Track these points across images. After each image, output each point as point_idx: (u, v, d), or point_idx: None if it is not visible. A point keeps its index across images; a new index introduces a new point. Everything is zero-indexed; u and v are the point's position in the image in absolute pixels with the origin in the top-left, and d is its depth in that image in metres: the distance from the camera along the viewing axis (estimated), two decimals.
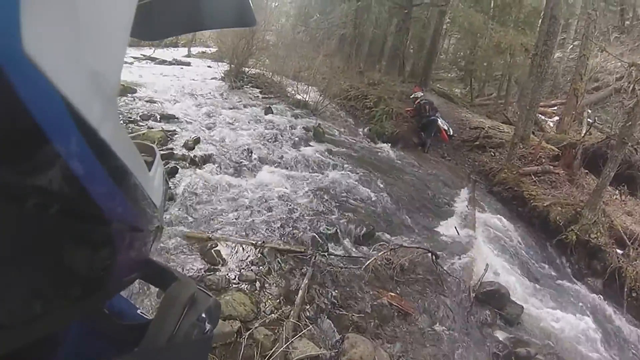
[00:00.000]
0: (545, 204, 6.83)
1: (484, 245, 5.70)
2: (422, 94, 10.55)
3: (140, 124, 6.65)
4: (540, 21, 12.27)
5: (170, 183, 4.94)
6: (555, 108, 14.67)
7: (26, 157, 0.24)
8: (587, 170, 7.78)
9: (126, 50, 0.37)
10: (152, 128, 6.48)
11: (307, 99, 10.83)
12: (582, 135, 9.12)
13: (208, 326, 0.53)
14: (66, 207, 0.28)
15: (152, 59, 13.55)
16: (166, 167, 5.26)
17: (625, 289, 5.22)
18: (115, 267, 0.38)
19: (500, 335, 4.07)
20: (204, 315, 0.52)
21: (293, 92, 11.44)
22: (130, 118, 6.77)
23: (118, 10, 0.33)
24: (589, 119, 11.45)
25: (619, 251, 5.75)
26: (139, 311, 0.61)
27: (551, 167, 8.00)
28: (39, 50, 0.22)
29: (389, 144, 9.94)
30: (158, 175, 0.61)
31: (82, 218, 0.31)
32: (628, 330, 4.82)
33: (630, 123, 5.99)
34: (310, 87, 11.38)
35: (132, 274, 0.49)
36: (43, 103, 0.24)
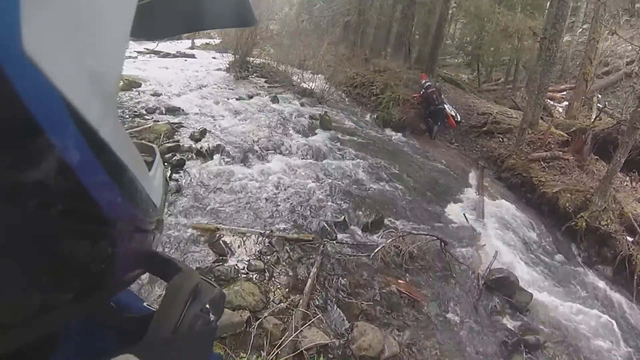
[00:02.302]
0: (554, 190, 6.76)
1: (492, 232, 5.68)
2: (429, 82, 10.43)
3: (146, 117, 6.67)
4: (548, 4, 12.08)
5: (177, 175, 4.96)
6: (565, 93, 14.48)
7: (26, 157, 0.24)
8: (597, 157, 7.68)
9: (126, 50, 0.37)
10: (158, 121, 6.49)
11: (312, 88, 10.80)
12: (592, 120, 8.96)
13: (212, 317, 0.53)
14: (66, 207, 0.28)
15: (156, 53, 13.56)
16: (173, 159, 5.28)
17: (635, 277, 5.17)
18: (115, 267, 0.38)
19: (509, 322, 4.07)
20: (208, 306, 0.52)
21: (298, 80, 11.41)
22: (136, 112, 6.78)
23: (118, 10, 0.33)
24: (598, 104, 11.28)
25: (629, 239, 5.68)
26: (145, 304, 0.61)
27: (560, 153, 7.90)
28: (39, 50, 0.22)
29: (396, 131, 9.91)
30: (158, 175, 0.61)
31: (81, 218, 0.30)
32: (637, 318, 4.79)
33: None
34: (315, 76, 11.33)
35: (132, 273, 0.49)
36: (43, 103, 0.23)
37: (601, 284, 5.25)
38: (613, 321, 4.48)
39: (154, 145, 0.70)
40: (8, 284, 0.26)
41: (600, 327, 4.32)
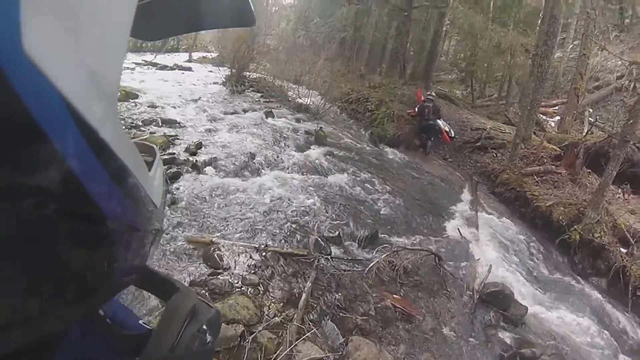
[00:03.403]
0: (547, 204, 6.80)
1: (487, 246, 5.68)
2: (430, 97, 10.48)
3: (142, 129, 6.68)
4: (540, 21, 12.29)
5: (172, 187, 4.95)
6: (557, 108, 14.61)
7: (26, 157, 0.24)
8: (589, 170, 7.73)
9: (126, 50, 0.37)
10: (154, 133, 6.51)
11: (308, 103, 10.87)
12: (584, 134, 9.08)
13: (209, 337, 0.53)
14: (66, 206, 0.28)
15: (154, 65, 13.63)
16: (168, 172, 5.27)
17: (630, 288, 5.18)
18: (115, 267, 0.38)
19: (505, 336, 4.05)
20: (204, 326, 0.52)
21: (294, 96, 11.48)
22: (132, 123, 6.80)
23: (118, 10, 0.33)
24: (590, 118, 11.42)
25: (622, 250, 5.70)
26: (141, 321, 0.61)
27: (553, 167, 7.96)
28: (39, 50, 0.23)
29: (391, 146, 9.97)
30: (158, 175, 0.61)
31: (81, 217, 0.31)
32: (633, 329, 4.78)
33: (631, 121, 5.96)
34: (311, 91, 11.42)
35: (133, 273, 0.49)
36: (43, 103, 0.24)
37: (596, 295, 5.24)
38: (608, 332, 4.47)
39: (153, 146, 0.70)
40: (7, 284, 0.26)
41: (596, 339, 4.30)
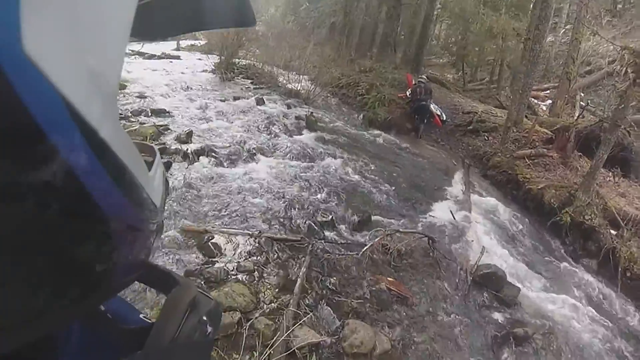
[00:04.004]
0: (539, 187, 6.87)
1: (479, 228, 5.74)
2: (421, 80, 10.47)
3: (132, 119, 6.60)
4: (532, 5, 12.26)
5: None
6: (548, 92, 14.70)
7: (26, 157, 0.24)
8: (580, 153, 7.82)
9: (126, 50, 0.37)
10: (144, 123, 6.44)
11: (298, 88, 10.80)
12: (575, 118, 9.12)
13: (209, 329, 0.53)
14: (66, 207, 0.28)
15: (141, 54, 13.43)
16: None
17: (620, 269, 5.28)
18: (115, 267, 0.38)
19: (498, 316, 4.11)
20: (205, 318, 0.53)
21: (284, 81, 11.41)
22: (121, 114, 6.70)
23: (118, 10, 0.33)
24: (581, 102, 11.47)
25: (613, 232, 5.80)
26: (141, 315, 0.62)
27: (545, 150, 8.03)
28: (39, 50, 0.22)
29: (382, 130, 9.96)
30: (158, 175, 0.61)
31: (81, 218, 0.31)
32: (622, 309, 4.89)
33: (622, 106, 6.01)
34: (301, 77, 11.34)
35: (133, 273, 0.49)
36: (43, 103, 0.24)
37: (587, 276, 5.34)
38: (599, 312, 4.57)
39: (153, 145, 0.70)
40: (8, 284, 0.26)
41: (586, 319, 4.39)
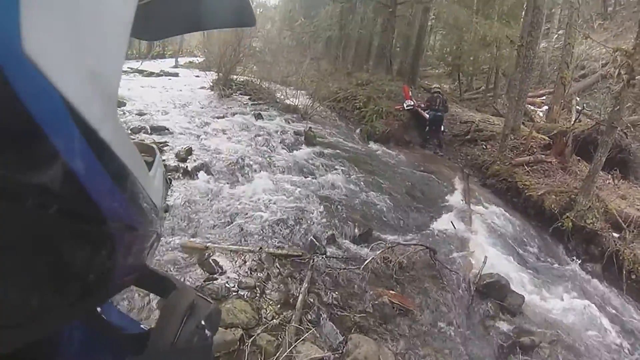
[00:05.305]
0: (539, 193, 6.86)
1: (481, 237, 5.71)
2: (437, 89, 10.57)
3: (132, 137, 6.61)
4: (523, 12, 12.39)
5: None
6: (544, 98, 14.74)
7: (26, 157, 0.24)
8: (578, 157, 7.81)
9: (126, 50, 0.37)
10: (144, 140, 6.45)
11: (296, 103, 10.86)
12: (572, 122, 9.14)
13: (208, 333, 0.53)
14: (66, 207, 0.28)
15: (140, 72, 13.58)
16: None
17: (624, 272, 5.24)
18: (114, 266, 0.38)
19: (503, 326, 4.06)
20: (203, 322, 0.53)
21: (282, 97, 11.47)
22: None
23: (118, 10, 0.33)
24: (577, 107, 11.49)
25: (615, 235, 5.77)
26: (142, 325, 0.62)
27: (543, 156, 8.03)
28: (39, 50, 0.23)
29: (381, 143, 10.01)
30: (158, 175, 0.61)
31: (81, 217, 0.31)
32: (629, 312, 4.85)
33: (618, 107, 6.02)
34: (299, 92, 11.41)
35: (132, 273, 0.49)
36: (43, 103, 0.24)
37: (591, 281, 5.31)
38: (606, 316, 4.52)
39: (154, 146, 0.70)
40: (7, 284, 0.27)
41: (593, 324, 4.34)
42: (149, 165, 0.56)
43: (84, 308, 0.38)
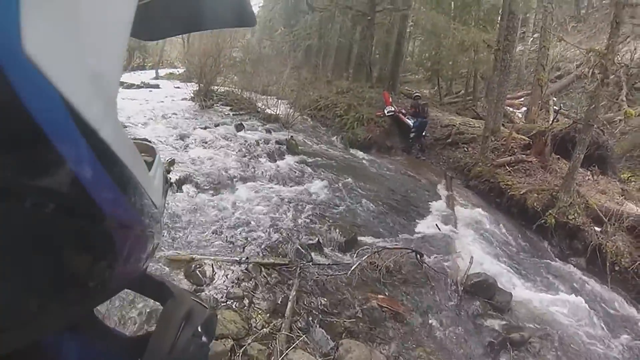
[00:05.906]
0: (521, 192, 6.98)
1: (466, 238, 5.77)
2: (417, 95, 10.75)
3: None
4: (499, 18, 12.67)
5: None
6: (522, 99, 15.05)
7: (26, 157, 0.24)
8: (558, 156, 7.97)
9: (126, 50, 0.38)
10: (144, 141, 6.38)
11: (277, 113, 10.87)
12: (550, 122, 9.35)
13: (205, 340, 0.53)
14: (66, 207, 0.28)
15: (120, 84, 13.38)
16: None
17: (608, 264, 5.37)
18: (114, 267, 0.38)
19: (493, 323, 4.10)
20: (200, 329, 0.54)
21: (263, 106, 11.47)
22: None
23: (118, 10, 0.34)
24: (555, 107, 11.78)
25: (597, 229, 5.90)
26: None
27: (523, 156, 8.18)
28: (39, 50, 0.23)
29: (363, 150, 10.10)
30: (158, 175, 0.61)
31: (81, 217, 0.31)
32: (615, 302, 4.95)
33: (594, 106, 6.20)
34: (279, 101, 11.45)
35: (132, 274, 0.49)
36: (43, 103, 0.24)
37: (576, 274, 5.44)
38: (592, 308, 4.61)
39: (153, 146, 0.70)
40: (6, 284, 0.26)
41: (580, 316, 4.42)
42: (149, 165, 0.56)
43: (83, 308, 0.38)
